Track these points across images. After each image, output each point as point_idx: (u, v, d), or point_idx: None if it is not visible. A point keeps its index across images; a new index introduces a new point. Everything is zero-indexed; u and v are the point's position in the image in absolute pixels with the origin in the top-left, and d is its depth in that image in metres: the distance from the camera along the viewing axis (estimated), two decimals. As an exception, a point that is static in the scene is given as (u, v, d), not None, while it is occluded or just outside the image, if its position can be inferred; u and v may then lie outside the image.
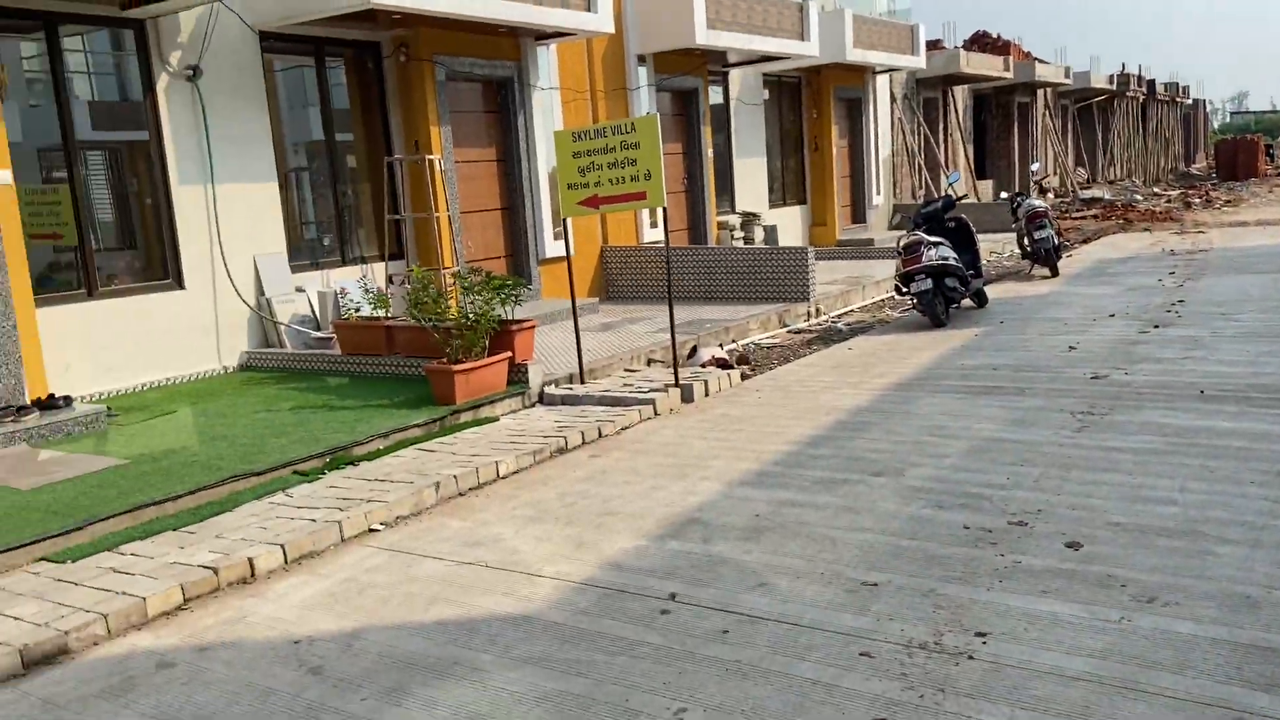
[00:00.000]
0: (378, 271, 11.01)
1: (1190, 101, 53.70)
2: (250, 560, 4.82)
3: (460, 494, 5.96)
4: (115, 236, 9.47)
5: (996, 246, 16.94)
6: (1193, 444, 5.78)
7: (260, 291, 9.96)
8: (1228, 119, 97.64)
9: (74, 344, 8.57)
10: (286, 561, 4.95)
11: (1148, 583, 4.01)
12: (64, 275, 8.88)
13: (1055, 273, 13.81)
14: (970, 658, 3.50)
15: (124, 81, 9.42)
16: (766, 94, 17.98)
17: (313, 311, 10.32)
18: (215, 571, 4.69)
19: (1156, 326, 9.59)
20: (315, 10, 9.57)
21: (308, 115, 10.96)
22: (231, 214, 9.70)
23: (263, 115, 9.95)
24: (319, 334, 10.09)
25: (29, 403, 7.59)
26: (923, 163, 23.34)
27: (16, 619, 4.28)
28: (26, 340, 7.74)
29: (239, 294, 9.79)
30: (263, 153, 9.97)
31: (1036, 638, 3.61)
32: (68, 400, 7.71)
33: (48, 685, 3.85)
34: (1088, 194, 28.82)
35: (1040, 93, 31.36)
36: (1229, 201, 26.30)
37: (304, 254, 10.69)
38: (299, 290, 10.28)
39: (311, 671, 3.80)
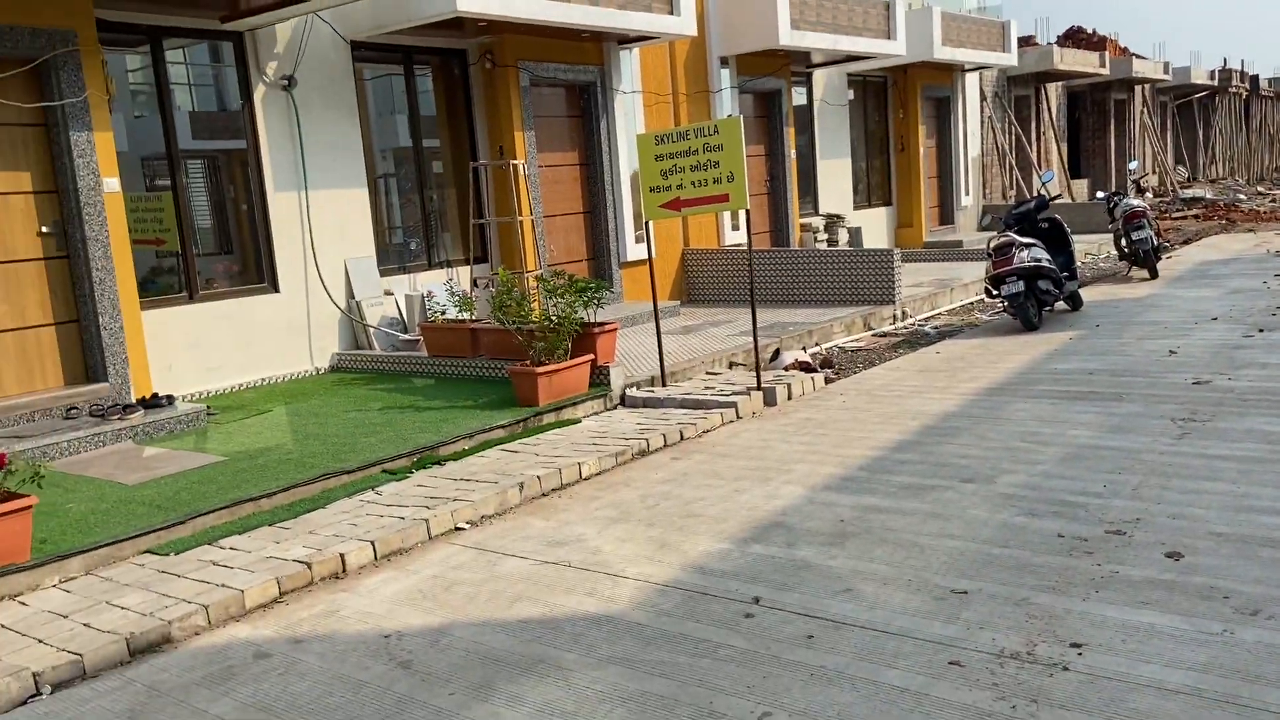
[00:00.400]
0: (462, 275, 11.20)
1: (1299, 96, 51.25)
2: (342, 556, 4.95)
3: (543, 494, 6.03)
4: (214, 241, 9.82)
5: (1092, 248, 16.43)
6: (1303, 453, 5.53)
7: (350, 294, 10.23)
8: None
9: (176, 345, 8.92)
10: (376, 557, 5.06)
11: (1252, 594, 3.84)
12: (166, 279, 9.25)
13: (1154, 275, 13.34)
14: (1065, 669, 3.40)
15: (223, 92, 9.77)
16: (851, 94, 17.75)
17: (400, 314, 10.55)
18: (309, 566, 4.83)
19: (1261, 330, 9.18)
20: (405, 19, 9.79)
21: (396, 122, 11.22)
22: (323, 219, 9.99)
23: (354, 123, 10.21)
24: (406, 336, 10.32)
25: (134, 401, 7.93)
26: (1014, 162, 22.77)
27: (124, 609, 4.46)
28: (132, 341, 8.09)
29: (330, 297, 10.06)
30: (353, 159, 10.24)
31: (1135, 650, 3.49)
32: (170, 399, 8.02)
33: (152, 673, 4.01)
34: (1188, 193, 27.75)
35: (1138, 89, 30.34)
36: (1342, 199, 25.08)
37: (392, 258, 10.94)
38: (387, 293, 10.53)
39: (401, 665, 3.88)
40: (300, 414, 8.04)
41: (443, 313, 9.78)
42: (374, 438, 7.03)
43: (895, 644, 3.69)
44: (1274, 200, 26.32)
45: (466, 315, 9.48)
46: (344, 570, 4.92)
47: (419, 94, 11.16)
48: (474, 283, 11.00)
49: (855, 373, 9.13)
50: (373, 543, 5.09)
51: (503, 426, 7.27)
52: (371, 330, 10.24)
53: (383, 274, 10.57)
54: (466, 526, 5.51)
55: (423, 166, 11.21)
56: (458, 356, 9.23)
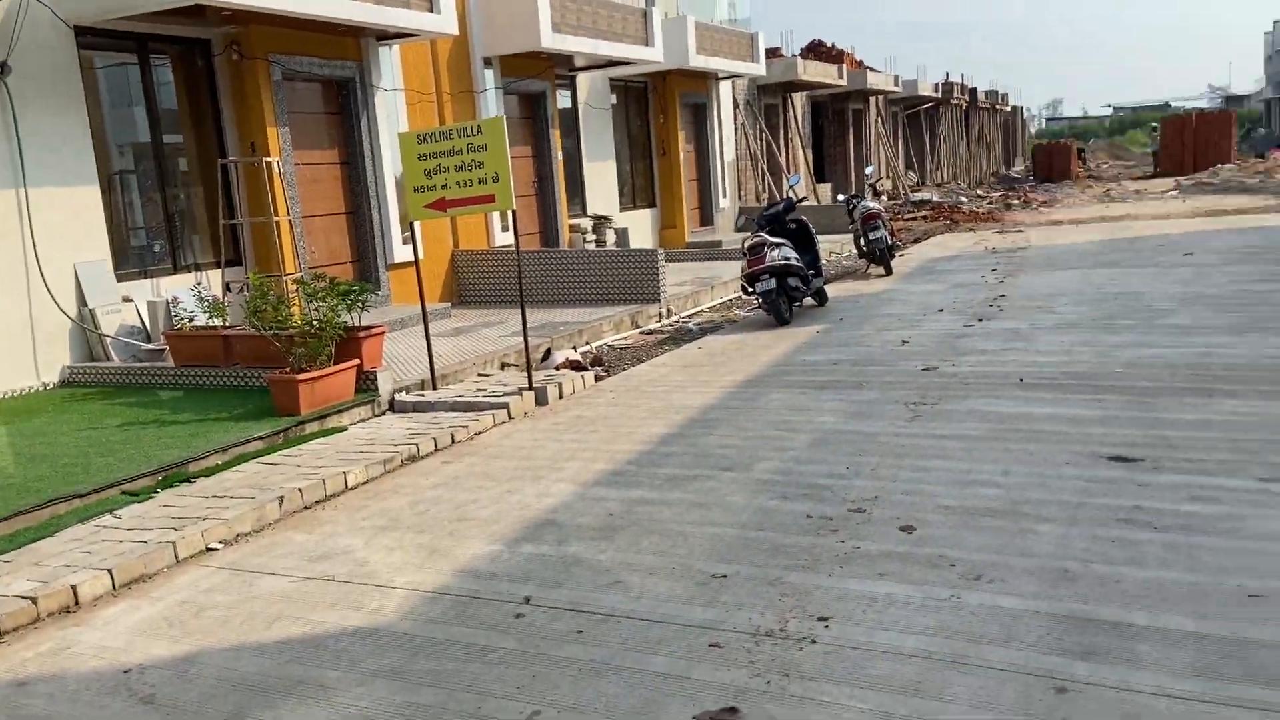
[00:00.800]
0: (214, 279, 10.52)
1: (1009, 108, 57.19)
2: (73, 587, 4.53)
3: (306, 507, 5.77)
4: (-88, 245, 8.71)
5: (836, 247, 17.60)
6: (1014, 429, 6.17)
7: (82, 302, 9.36)
8: (1043, 125, 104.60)
9: None
10: (115, 587, 4.67)
11: (975, 561, 4.25)
12: None
13: (889, 271, 14.47)
14: (813, 642, 3.64)
15: (-81, 77, 8.68)
16: (614, 98, 18.14)
17: (142, 322, 9.77)
18: (34, 601, 4.39)
19: (980, 320, 10.18)
20: (134, 5, 9.07)
21: (133, 115, 10.37)
22: (47, 220, 9.08)
23: (80, 115, 9.35)
24: (149, 346, 9.57)
25: None
26: (765, 167, 24.03)
27: None
28: None
29: (58, 305, 9.17)
30: (81, 155, 9.36)
31: (874, 619, 3.78)
32: None
33: None
34: (917, 196, 30.30)
35: (872, 100, 32.79)
36: (1045, 202, 28.15)
37: (131, 261, 10.10)
38: (126, 300, 9.71)
39: (143, 701, 3.60)
40: (23, 434, 7.29)
41: (191, 320, 9.15)
42: (112, 457, 6.48)
43: (660, 631, 3.82)
44: (991, 202, 29.19)
45: (219, 322, 8.91)
46: (76, 603, 4.51)
47: (158, 86, 10.37)
48: (226, 287, 10.36)
49: (624, 370, 9.35)
50: (110, 570, 4.69)
51: (261, 438, 6.90)
52: (109, 340, 9.42)
53: (121, 279, 9.74)
54: (220, 546, 5.19)
55: (164, 163, 10.43)
56: (209, 366, 8.67)
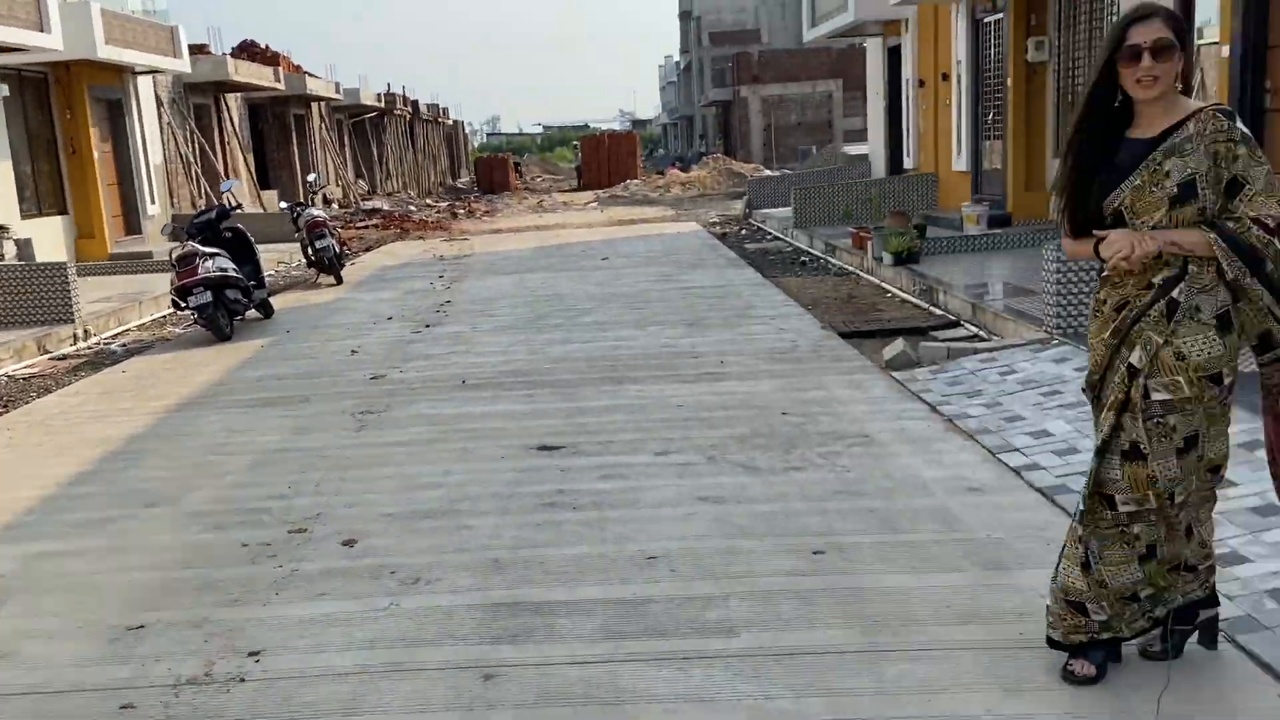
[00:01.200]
0: None
1: (451, 122, 59.74)
2: None
3: None
4: None
5: (284, 256, 16.94)
6: (456, 430, 6.41)
7: None
8: (484, 139, 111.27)
9: None
10: None
11: (415, 565, 4.32)
12: None
13: (340, 280, 14.27)
14: (242, 680, 3.41)
15: None
16: (6, 89, 15.51)
17: None
18: None
19: (428, 325, 10.46)
20: None
21: None
22: None
23: None
24: None
25: None
26: (200, 171, 22.32)
27: None
28: None
29: None
30: None
31: (310, 643, 3.65)
32: None
33: None
34: (369, 205, 30.33)
35: (315, 106, 32.09)
36: (488, 212, 29.87)
37: None
38: None
39: None
40: None
41: None
42: None
43: (60, 704, 3.31)
44: (439, 212, 30.19)
45: None
46: None
47: None
48: None
49: (27, 403, 8.08)
50: None
51: None
52: None
53: None
54: None
55: None
56: None
